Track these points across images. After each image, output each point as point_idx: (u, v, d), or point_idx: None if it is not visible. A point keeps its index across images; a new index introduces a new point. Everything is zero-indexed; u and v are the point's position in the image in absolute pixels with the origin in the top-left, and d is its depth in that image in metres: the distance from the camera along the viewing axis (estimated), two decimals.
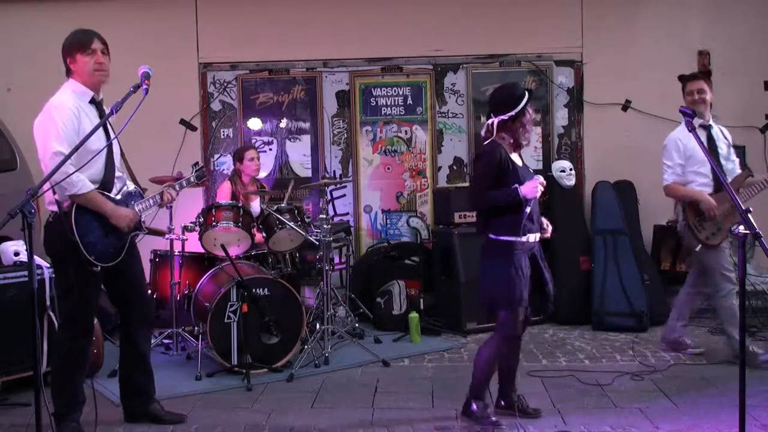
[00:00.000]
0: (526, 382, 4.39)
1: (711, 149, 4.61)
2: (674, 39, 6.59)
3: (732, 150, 4.77)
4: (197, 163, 4.23)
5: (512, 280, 3.52)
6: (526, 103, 3.63)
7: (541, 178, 3.59)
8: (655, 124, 6.27)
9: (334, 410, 3.97)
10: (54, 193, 3.29)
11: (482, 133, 3.81)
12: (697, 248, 4.60)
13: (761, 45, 6.59)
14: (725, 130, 4.86)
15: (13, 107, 5.99)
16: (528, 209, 3.55)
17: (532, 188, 3.51)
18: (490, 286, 3.61)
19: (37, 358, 2.90)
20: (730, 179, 4.56)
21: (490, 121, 3.68)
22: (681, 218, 4.72)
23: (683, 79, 4.85)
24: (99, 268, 3.42)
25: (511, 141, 3.68)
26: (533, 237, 3.62)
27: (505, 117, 3.62)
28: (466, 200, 3.65)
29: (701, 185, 4.66)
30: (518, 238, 3.55)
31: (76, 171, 3.19)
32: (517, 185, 3.54)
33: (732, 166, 4.73)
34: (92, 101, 3.51)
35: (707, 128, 4.70)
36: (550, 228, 3.75)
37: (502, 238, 3.57)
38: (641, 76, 6.55)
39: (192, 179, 4.01)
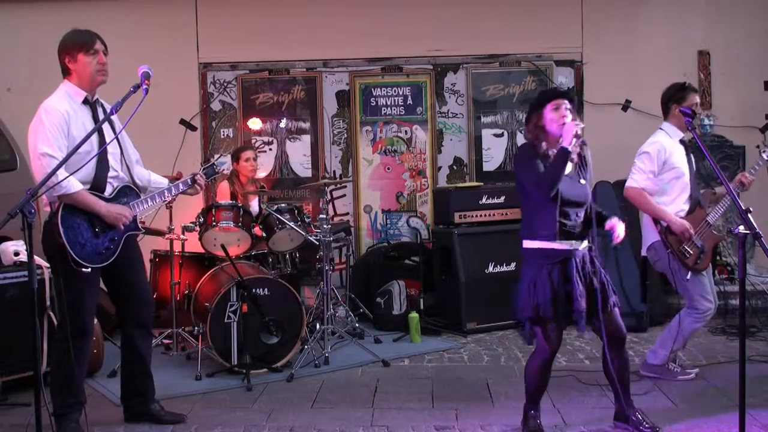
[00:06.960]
0: None
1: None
2: (674, 39, 6.60)
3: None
4: (209, 160, 4.12)
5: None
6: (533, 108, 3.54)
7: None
8: (655, 123, 6.22)
9: (334, 410, 3.97)
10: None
11: None
12: (688, 276, 4.16)
13: (761, 45, 6.59)
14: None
15: (13, 107, 5.99)
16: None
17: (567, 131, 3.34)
18: None
19: (37, 358, 2.91)
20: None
21: None
22: (661, 248, 4.24)
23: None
24: (89, 269, 3.41)
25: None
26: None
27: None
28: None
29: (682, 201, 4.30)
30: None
31: (62, 170, 3.14)
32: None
33: None
34: (86, 101, 3.51)
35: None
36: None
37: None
38: (641, 76, 6.54)
39: (198, 178, 3.85)
